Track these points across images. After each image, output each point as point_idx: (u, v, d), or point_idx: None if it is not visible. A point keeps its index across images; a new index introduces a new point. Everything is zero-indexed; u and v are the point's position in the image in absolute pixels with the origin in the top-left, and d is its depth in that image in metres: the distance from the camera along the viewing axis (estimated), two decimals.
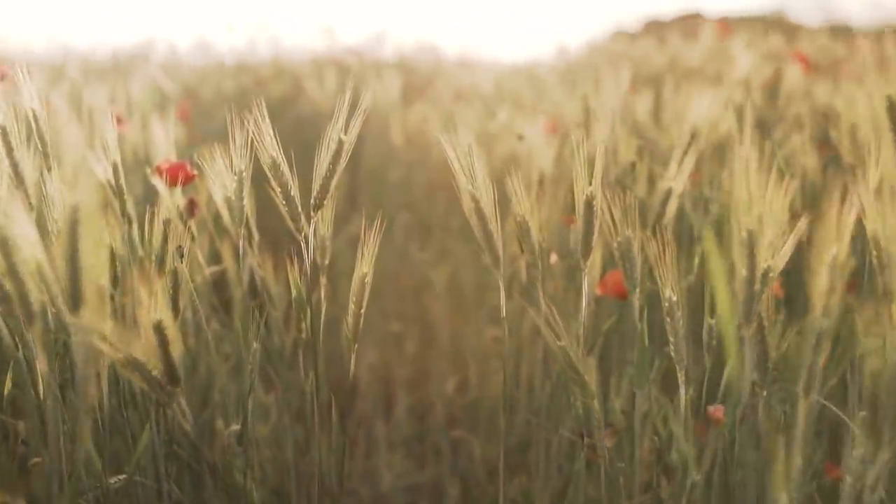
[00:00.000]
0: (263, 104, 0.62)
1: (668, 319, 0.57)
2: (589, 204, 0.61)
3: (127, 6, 4.75)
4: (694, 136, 0.89)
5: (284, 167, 0.62)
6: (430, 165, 1.60)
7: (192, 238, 0.86)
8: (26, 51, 3.30)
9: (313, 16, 5.02)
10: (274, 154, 0.61)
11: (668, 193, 0.80)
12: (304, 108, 2.27)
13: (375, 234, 0.64)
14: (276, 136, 0.62)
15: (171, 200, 0.84)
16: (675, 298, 0.57)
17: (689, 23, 4.66)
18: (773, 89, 1.81)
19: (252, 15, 3.89)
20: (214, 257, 1.02)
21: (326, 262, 0.73)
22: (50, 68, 2.11)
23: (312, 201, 0.63)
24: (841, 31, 3.44)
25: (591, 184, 0.62)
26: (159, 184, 0.84)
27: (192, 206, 0.86)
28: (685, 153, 0.80)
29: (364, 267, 0.63)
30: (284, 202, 0.63)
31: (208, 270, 0.88)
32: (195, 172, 0.85)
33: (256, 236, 0.83)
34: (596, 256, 0.94)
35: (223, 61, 3.07)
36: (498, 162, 1.21)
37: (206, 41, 3.37)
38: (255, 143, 0.65)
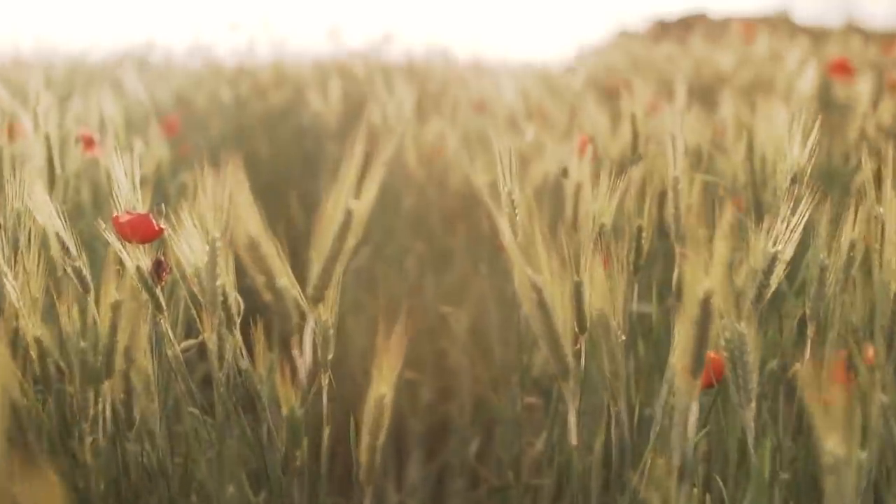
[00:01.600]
0: (240, 161, 0.44)
1: (832, 478, 0.39)
2: (706, 303, 0.43)
3: (125, 5, 4.58)
4: (796, 178, 0.71)
5: (267, 247, 0.43)
6: (449, 189, 1.42)
7: (159, 307, 0.68)
8: (14, 51, 3.12)
9: (319, 16, 4.83)
10: (254, 231, 0.43)
11: (773, 260, 0.61)
12: (305, 118, 2.10)
13: (400, 336, 0.46)
14: (259, 210, 0.44)
15: (131, 262, 0.66)
16: (842, 454, 0.39)
17: (697, 23, 4.48)
18: (838, 104, 1.62)
19: (255, 16, 3.71)
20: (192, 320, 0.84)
21: (329, 356, 0.55)
22: (25, 75, 1.93)
23: (310, 291, 0.44)
24: (855, 33, 3.24)
25: (707, 274, 0.43)
26: (116, 242, 0.66)
27: (159, 267, 0.68)
28: (794, 202, 0.62)
29: (382, 386, 0.44)
30: (271, 295, 0.44)
31: (180, 347, 0.70)
32: (162, 227, 0.67)
33: (240, 309, 0.64)
34: None
35: (222, 65, 2.89)
36: (533, 198, 1.02)
37: (204, 44, 3.19)
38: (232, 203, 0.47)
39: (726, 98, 1.26)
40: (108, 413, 0.56)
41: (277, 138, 2.11)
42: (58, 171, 0.95)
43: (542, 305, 0.45)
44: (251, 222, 0.43)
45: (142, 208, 0.74)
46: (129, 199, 0.75)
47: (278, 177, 1.99)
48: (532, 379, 1.01)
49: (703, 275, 0.42)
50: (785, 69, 1.97)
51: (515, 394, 1.04)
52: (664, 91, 1.83)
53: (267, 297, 0.44)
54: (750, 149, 0.92)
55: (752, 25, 4.21)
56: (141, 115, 1.65)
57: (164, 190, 1.27)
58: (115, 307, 0.53)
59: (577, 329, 0.64)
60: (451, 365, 1.37)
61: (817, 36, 3.11)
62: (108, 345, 0.54)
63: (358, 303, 1.45)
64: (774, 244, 0.62)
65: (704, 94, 1.86)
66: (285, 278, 0.44)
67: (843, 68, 1.83)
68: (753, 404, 0.50)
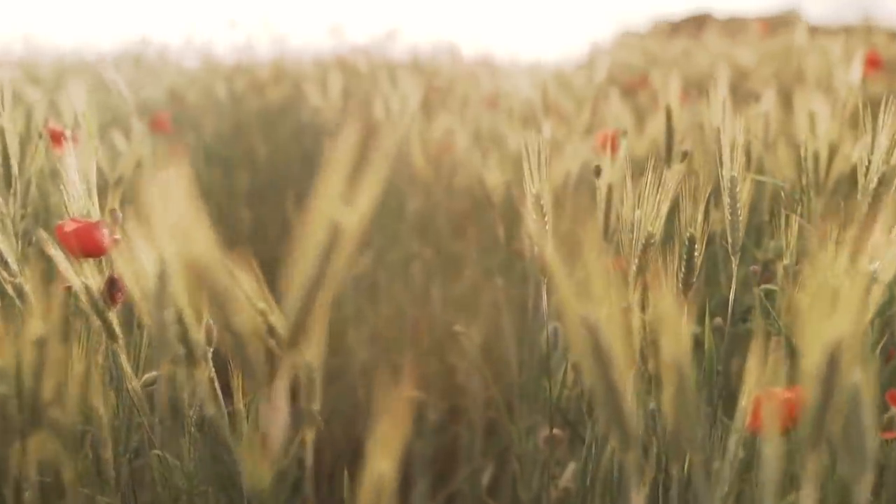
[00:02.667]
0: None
1: None
2: (834, 361, 0.31)
3: (125, 3, 4.47)
4: (884, 179, 0.59)
5: (220, 272, 0.32)
6: (458, 190, 1.30)
7: (112, 335, 0.56)
8: (6, 51, 3.02)
9: (322, 13, 4.71)
10: (202, 252, 0.31)
11: (870, 281, 0.49)
12: (304, 114, 1.98)
13: (407, 389, 0.34)
14: (214, 222, 0.32)
15: (77, 281, 0.54)
16: None
17: (703, 22, 4.36)
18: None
19: (256, 13, 3.59)
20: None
21: (316, 406, 0.43)
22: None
23: (287, 334, 0.33)
24: (876, 31, 3.11)
25: (834, 324, 0.31)
26: (59, 256, 0.54)
27: (113, 287, 0.56)
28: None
29: (382, 461, 0.32)
30: (229, 336, 0.33)
31: (141, 381, 0.58)
32: (116, 237, 0.55)
33: (212, 338, 0.53)
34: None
35: (220, 62, 2.78)
36: (556, 200, 0.90)
37: (204, 41, 3.08)
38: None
39: (767, 92, 1.14)
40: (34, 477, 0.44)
41: (275, 136, 2.00)
42: (15, 170, 0.83)
43: (598, 352, 0.33)
44: (199, 239, 0.31)
45: (98, 214, 0.62)
46: (83, 204, 0.63)
47: (276, 175, 1.88)
48: (557, 406, 0.89)
49: (828, 317, 0.30)
50: (813, 63, 1.85)
51: (536, 423, 0.92)
52: (689, 87, 1.71)
53: (223, 338, 0.32)
54: (806, 146, 0.80)
55: (767, 23, 4.10)
56: (126, 112, 1.53)
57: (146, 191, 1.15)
58: (41, 343, 0.42)
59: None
60: (462, 383, 1.25)
61: (833, 34, 2.99)
62: (33, 390, 0.42)
63: (359, 314, 1.33)
64: (870, 261, 0.50)
65: (731, 90, 1.73)
66: (251, 313, 0.32)
67: (875, 63, 1.71)
68: (870, 476, 0.38)
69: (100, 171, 1.08)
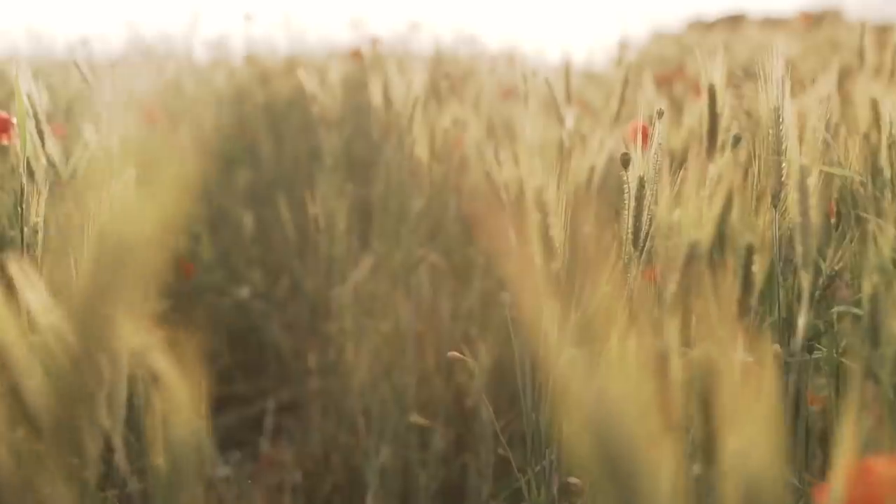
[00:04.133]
0: None
1: None
2: None
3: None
4: None
5: None
6: (469, 189, 1.15)
7: None
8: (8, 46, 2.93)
9: (347, 7, 4.57)
10: None
11: None
12: (312, 111, 1.84)
13: None
14: None
15: None
16: None
17: (739, 22, 4.20)
18: None
19: (275, 5, 3.47)
20: None
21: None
22: None
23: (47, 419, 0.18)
24: None
25: None
26: None
27: None
28: None
29: None
30: None
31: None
32: None
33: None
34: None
35: (234, 55, 2.65)
36: (577, 203, 0.75)
37: (220, 34, 2.97)
38: None
39: (825, 76, 0.98)
40: None
41: (281, 129, 1.87)
42: None
43: (611, 465, 0.18)
44: None
45: None
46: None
47: (281, 173, 1.76)
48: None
49: None
50: (870, 53, 1.68)
51: (551, 466, 0.77)
52: (730, 76, 1.55)
53: None
54: (891, 131, 0.64)
55: (807, 18, 3.93)
56: (108, 104, 1.40)
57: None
58: None
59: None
60: (470, 406, 1.10)
61: (881, 30, 2.80)
62: None
63: (360, 328, 1.19)
64: None
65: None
66: None
67: None
68: None
69: (51, 166, 0.95)
